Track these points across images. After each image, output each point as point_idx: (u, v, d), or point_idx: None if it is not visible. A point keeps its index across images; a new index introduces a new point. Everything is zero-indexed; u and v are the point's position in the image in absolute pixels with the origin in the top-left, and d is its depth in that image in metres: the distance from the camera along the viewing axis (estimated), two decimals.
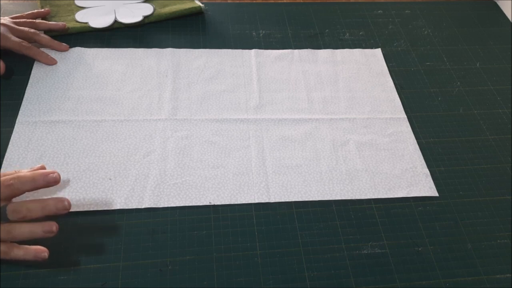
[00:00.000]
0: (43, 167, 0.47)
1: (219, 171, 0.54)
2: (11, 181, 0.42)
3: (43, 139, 0.54)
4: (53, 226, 0.43)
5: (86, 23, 0.68)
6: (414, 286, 0.46)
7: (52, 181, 0.44)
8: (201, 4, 0.72)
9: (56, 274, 0.44)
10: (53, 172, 0.44)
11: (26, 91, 0.59)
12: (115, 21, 0.69)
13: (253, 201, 0.51)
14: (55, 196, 0.48)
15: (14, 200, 0.44)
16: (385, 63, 0.69)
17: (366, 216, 0.51)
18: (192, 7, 0.72)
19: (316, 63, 0.68)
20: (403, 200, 0.53)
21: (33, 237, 0.42)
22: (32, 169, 0.46)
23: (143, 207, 0.50)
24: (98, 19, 0.69)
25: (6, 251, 0.42)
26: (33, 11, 0.67)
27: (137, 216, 0.49)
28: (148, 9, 0.71)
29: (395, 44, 0.73)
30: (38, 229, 0.42)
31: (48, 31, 0.65)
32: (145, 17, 0.70)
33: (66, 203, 0.43)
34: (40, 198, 0.44)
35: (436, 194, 0.54)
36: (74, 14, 0.69)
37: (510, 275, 0.48)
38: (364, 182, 0.54)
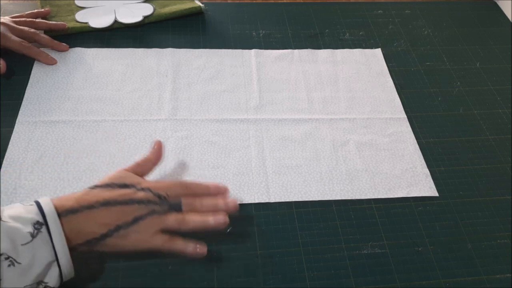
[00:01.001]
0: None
1: (219, 171, 0.54)
2: (188, 184, 0.46)
3: (43, 139, 0.54)
4: (225, 217, 0.44)
5: (86, 23, 0.68)
6: (414, 286, 0.46)
7: (232, 206, 0.45)
8: (201, 4, 0.72)
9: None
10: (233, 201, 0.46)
11: (26, 91, 0.59)
12: (115, 21, 0.69)
13: (253, 201, 0.51)
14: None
15: None
16: (385, 63, 0.69)
17: (366, 216, 0.51)
18: (192, 7, 0.72)
19: (316, 63, 0.68)
20: (403, 200, 0.53)
21: (204, 225, 0.43)
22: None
23: None
24: (98, 19, 0.69)
25: (169, 240, 0.42)
26: (33, 11, 0.67)
27: None
28: (148, 9, 0.71)
29: (395, 44, 0.73)
30: (209, 218, 0.43)
31: (48, 31, 0.65)
32: (145, 17, 0.70)
33: (237, 202, 0.45)
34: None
35: (436, 194, 0.54)
36: (74, 14, 0.69)
37: (510, 275, 0.48)
38: (364, 182, 0.54)
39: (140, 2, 0.72)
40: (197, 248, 0.43)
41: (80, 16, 0.69)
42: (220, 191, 0.47)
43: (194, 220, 0.43)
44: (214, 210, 0.45)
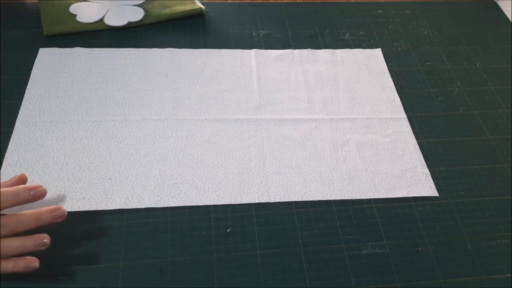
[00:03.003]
0: (22, 177, 0.46)
1: (219, 171, 0.54)
2: None
3: (43, 139, 0.54)
4: (45, 238, 0.42)
5: (75, 15, 0.67)
6: (414, 286, 0.46)
7: (38, 195, 0.43)
8: (202, 6, 0.72)
9: (55, 275, 0.44)
10: (39, 186, 0.43)
11: (26, 91, 0.59)
12: (101, 20, 0.68)
13: (253, 201, 0.51)
14: (48, 202, 0.47)
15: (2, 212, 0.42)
16: (385, 63, 0.69)
17: (366, 216, 0.51)
18: (193, 9, 0.72)
19: (316, 63, 0.68)
20: (403, 200, 0.53)
21: (24, 251, 0.41)
22: (11, 180, 0.45)
23: (143, 207, 0.50)
24: (87, 14, 0.68)
25: None
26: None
27: (137, 216, 0.49)
28: (137, 15, 0.69)
29: (395, 44, 0.73)
30: (29, 242, 0.41)
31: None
32: (130, 23, 0.68)
33: (63, 209, 0.43)
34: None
35: (436, 194, 0.54)
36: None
37: (510, 275, 0.48)
38: (364, 182, 0.54)
39: (134, 5, 0.71)
40: (28, 265, 0.41)
41: (73, 8, 0.68)
42: (36, 196, 0.42)
43: (11, 246, 0.40)
44: (39, 225, 0.42)
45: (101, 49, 0.66)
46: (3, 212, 0.42)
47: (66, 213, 0.44)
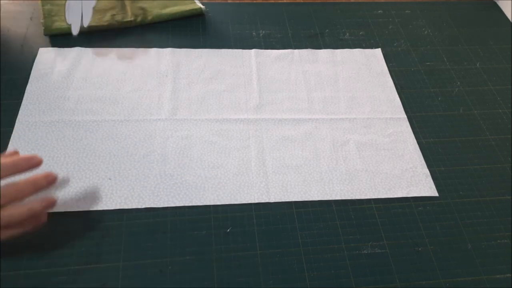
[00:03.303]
0: (17, 152, 0.46)
1: (219, 171, 0.54)
2: None
3: (43, 139, 0.54)
4: (51, 199, 0.43)
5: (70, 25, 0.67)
6: (414, 286, 0.46)
7: (35, 165, 0.44)
8: (202, 6, 0.72)
9: (56, 275, 0.44)
10: (35, 156, 0.44)
11: (26, 91, 0.59)
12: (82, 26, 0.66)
13: (253, 201, 0.51)
14: (44, 193, 0.47)
15: None
16: (385, 63, 0.69)
17: (366, 216, 0.51)
18: (193, 9, 0.72)
19: (316, 63, 0.68)
20: (403, 200, 0.53)
21: (32, 214, 0.42)
22: (3, 154, 0.45)
23: (143, 207, 0.50)
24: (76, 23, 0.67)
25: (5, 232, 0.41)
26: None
27: (137, 216, 0.49)
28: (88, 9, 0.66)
29: (395, 44, 0.73)
30: (36, 204, 0.42)
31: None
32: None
33: (54, 174, 0.44)
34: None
35: (436, 194, 0.54)
36: None
37: (510, 275, 0.48)
38: (364, 182, 0.54)
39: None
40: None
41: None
42: (33, 165, 0.44)
43: (20, 212, 0.41)
44: (36, 190, 0.43)
45: (101, 49, 0.66)
46: None
47: (57, 177, 0.44)
